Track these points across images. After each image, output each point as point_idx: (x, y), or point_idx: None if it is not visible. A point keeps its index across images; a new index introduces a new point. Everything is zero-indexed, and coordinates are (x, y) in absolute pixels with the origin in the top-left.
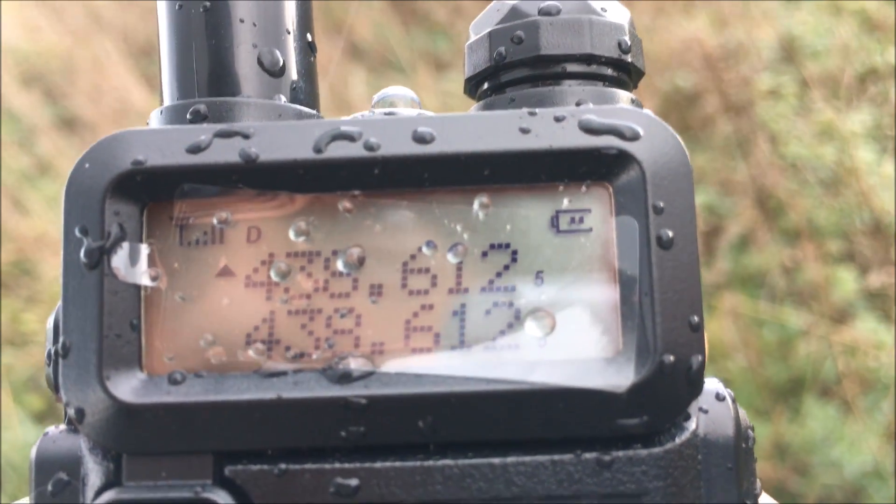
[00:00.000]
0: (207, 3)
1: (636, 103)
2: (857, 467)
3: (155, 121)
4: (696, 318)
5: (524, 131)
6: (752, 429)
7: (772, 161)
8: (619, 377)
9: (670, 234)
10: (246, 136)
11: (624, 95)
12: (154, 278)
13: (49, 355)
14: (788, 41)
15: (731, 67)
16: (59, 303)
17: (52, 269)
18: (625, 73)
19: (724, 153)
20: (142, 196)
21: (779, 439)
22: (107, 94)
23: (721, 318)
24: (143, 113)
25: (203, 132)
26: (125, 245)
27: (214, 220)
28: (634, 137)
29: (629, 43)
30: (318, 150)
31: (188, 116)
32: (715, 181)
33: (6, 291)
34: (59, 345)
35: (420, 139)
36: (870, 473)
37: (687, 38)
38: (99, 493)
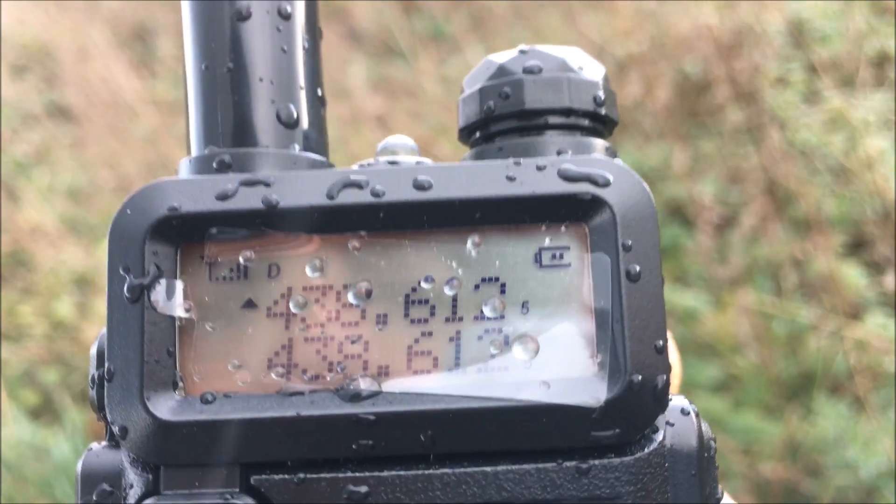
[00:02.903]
0: (231, 65)
1: (610, 150)
2: (872, 468)
3: (184, 169)
4: (660, 342)
5: (510, 179)
6: (714, 440)
7: (781, 149)
8: (594, 395)
9: (637, 268)
10: (267, 185)
11: (599, 144)
12: (187, 310)
13: (93, 379)
14: (797, 25)
15: (741, 54)
16: (102, 331)
17: (47, 260)
18: (600, 123)
19: (734, 141)
20: (176, 238)
21: (790, 438)
22: (95, 81)
23: (730, 313)
24: (132, 100)
25: (230, 181)
26: (162, 282)
27: (240, 259)
28: (606, 184)
29: (603, 97)
30: (330, 196)
31: (214, 165)
32: (723, 170)
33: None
34: (105, 370)
35: (419, 186)
36: (885, 474)
37: (696, 24)
38: (140, 501)
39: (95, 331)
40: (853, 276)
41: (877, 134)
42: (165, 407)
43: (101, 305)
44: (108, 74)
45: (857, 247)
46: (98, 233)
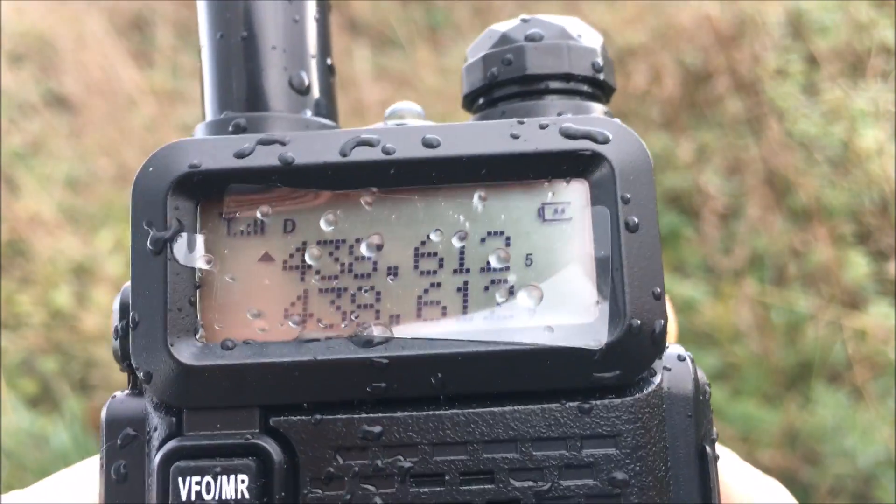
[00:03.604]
0: (245, 33)
1: (608, 114)
2: (870, 456)
3: (200, 132)
4: (658, 289)
5: (514, 137)
6: (709, 385)
7: (781, 140)
8: (596, 338)
9: (636, 219)
10: (283, 144)
11: (598, 108)
12: (208, 263)
13: (116, 331)
14: (796, 16)
15: (741, 45)
16: (126, 284)
17: (45, 249)
18: (598, 88)
19: (733, 131)
20: (197, 194)
21: (789, 427)
22: (93, 70)
23: (730, 302)
24: (129, 89)
25: (247, 140)
26: (184, 235)
27: (257, 214)
28: (605, 141)
29: (601, 63)
30: (343, 154)
31: (230, 129)
32: (723, 161)
33: None
34: (129, 319)
35: (428, 144)
36: (883, 463)
37: (698, 14)
38: (164, 442)
39: (94, 320)
40: (858, 263)
41: (875, 125)
42: (188, 352)
43: (99, 295)
44: (105, 63)
45: (856, 237)
46: (96, 222)
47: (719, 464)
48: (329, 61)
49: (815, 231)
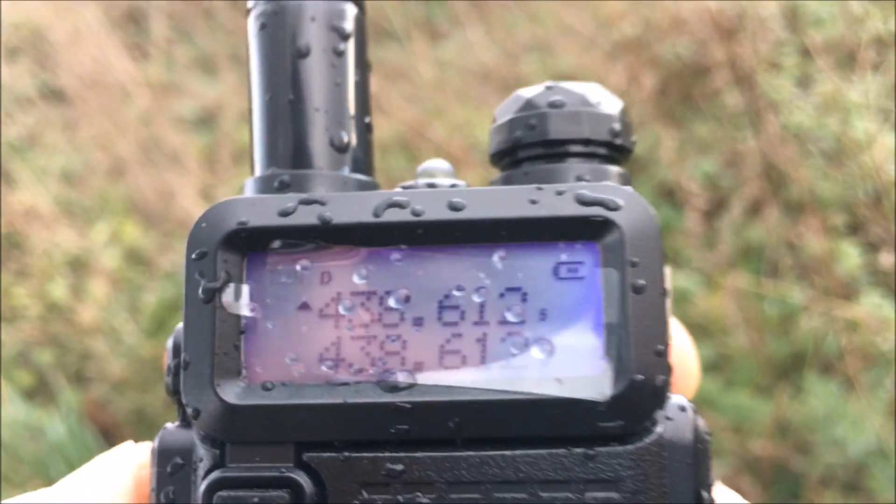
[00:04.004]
0: (291, 97)
1: (624, 177)
2: (860, 446)
3: (249, 187)
4: (661, 347)
5: (533, 202)
6: (709, 434)
7: (776, 132)
8: (601, 391)
9: (642, 282)
10: (322, 204)
11: (614, 171)
12: (252, 311)
13: (169, 368)
14: (792, 9)
15: (739, 38)
16: (178, 326)
17: (41, 242)
18: (616, 151)
19: (729, 124)
20: (244, 248)
21: (780, 417)
22: (88, 63)
23: (723, 294)
24: (124, 82)
25: (290, 200)
26: (231, 285)
27: (297, 267)
28: (616, 208)
29: (619, 129)
30: (376, 214)
31: (275, 184)
32: (718, 153)
33: None
34: (180, 360)
35: (454, 207)
36: (873, 452)
37: (697, 6)
38: (208, 472)
39: (89, 312)
40: (850, 254)
41: (869, 117)
42: (232, 392)
43: (94, 287)
44: (100, 56)
45: (850, 229)
46: (91, 215)
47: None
48: (367, 120)
49: (808, 223)
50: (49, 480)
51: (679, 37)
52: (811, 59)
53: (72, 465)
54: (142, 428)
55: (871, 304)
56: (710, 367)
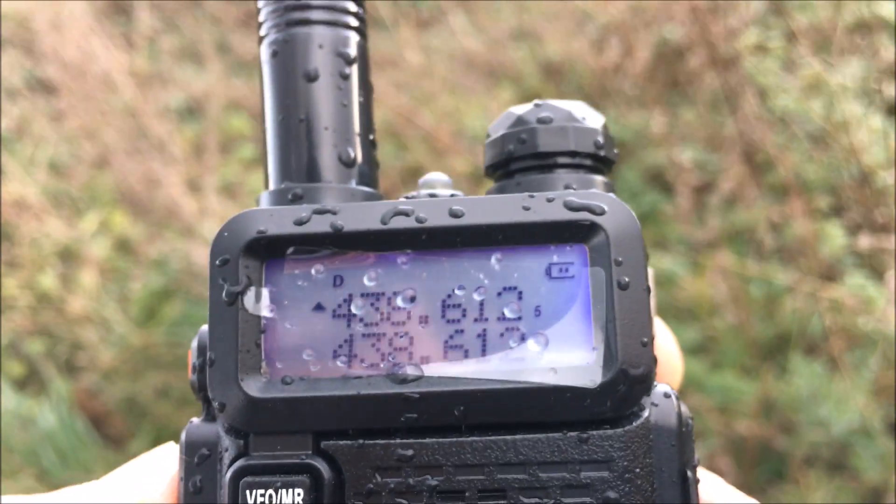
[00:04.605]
0: (302, 116)
1: (608, 185)
2: (844, 425)
3: (264, 199)
4: (645, 339)
5: (526, 208)
6: (692, 419)
7: (760, 115)
8: (592, 379)
9: (627, 279)
10: (334, 213)
11: (599, 179)
12: (271, 312)
13: (194, 367)
14: None
15: (718, 20)
16: (203, 327)
17: (30, 233)
18: (600, 162)
19: (712, 108)
20: (263, 255)
21: (765, 397)
22: (74, 53)
23: (708, 276)
24: (110, 72)
25: (304, 210)
26: (252, 289)
27: (312, 271)
28: (602, 213)
29: (602, 141)
30: (384, 222)
31: (289, 197)
32: (703, 136)
33: None
34: (206, 358)
35: (454, 215)
36: (857, 431)
37: None
38: (233, 461)
39: (80, 302)
40: (835, 235)
41: (854, 100)
42: (255, 387)
43: (84, 277)
44: (86, 46)
45: (833, 210)
46: (80, 206)
47: (706, 486)
48: (371, 137)
49: (792, 205)
50: (41, 470)
51: (665, 21)
52: (795, 43)
53: (63, 455)
54: (133, 416)
55: (855, 285)
56: (697, 349)
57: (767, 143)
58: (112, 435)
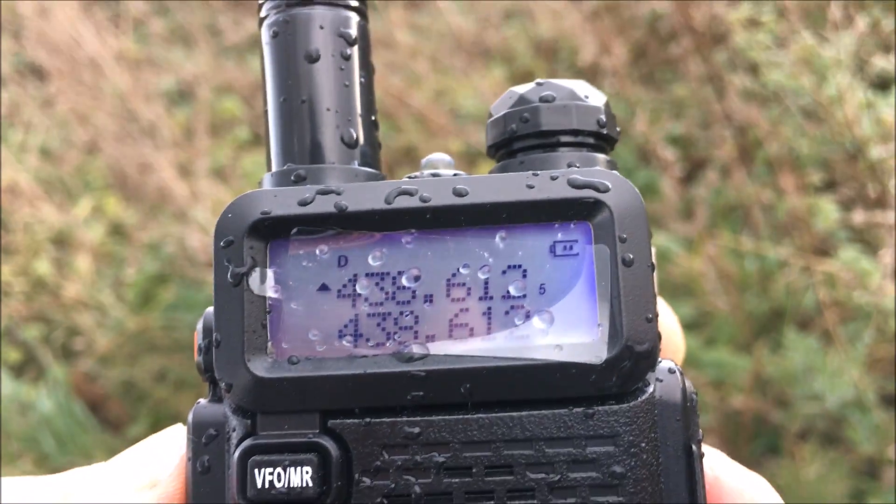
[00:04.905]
0: (304, 98)
1: (611, 163)
2: (838, 398)
3: (267, 181)
4: (650, 315)
5: (530, 187)
6: (696, 393)
7: (753, 90)
8: (598, 355)
9: (631, 256)
10: (338, 193)
11: (601, 158)
12: (276, 292)
13: (200, 348)
14: None
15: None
16: (208, 309)
17: (25, 219)
18: (602, 141)
19: (703, 85)
20: (267, 236)
21: (760, 372)
22: (62, 39)
23: (703, 253)
24: (98, 57)
25: (308, 191)
26: (257, 270)
27: (316, 251)
28: (606, 190)
29: (605, 120)
30: (388, 202)
31: (292, 178)
32: (695, 113)
33: None
34: (212, 339)
35: (458, 193)
36: (851, 403)
37: None
38: (241, 440)
39: (75, 288)
40: (828, 209)
41: (846, 73)
42: (261, 367)
43: (79, 263)
44: (74, 31)
45: (828, 186)
46: (73, 191)
47: (710, 461)
48: (373, 117)
49: (785, 180)
50: (40, 454)
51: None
52: (786, 17)
53: (61, 439)
54: (131, 400)
55: (848, 259)
56: (692, 325)
57: (760, 120)
58: (110, 419)
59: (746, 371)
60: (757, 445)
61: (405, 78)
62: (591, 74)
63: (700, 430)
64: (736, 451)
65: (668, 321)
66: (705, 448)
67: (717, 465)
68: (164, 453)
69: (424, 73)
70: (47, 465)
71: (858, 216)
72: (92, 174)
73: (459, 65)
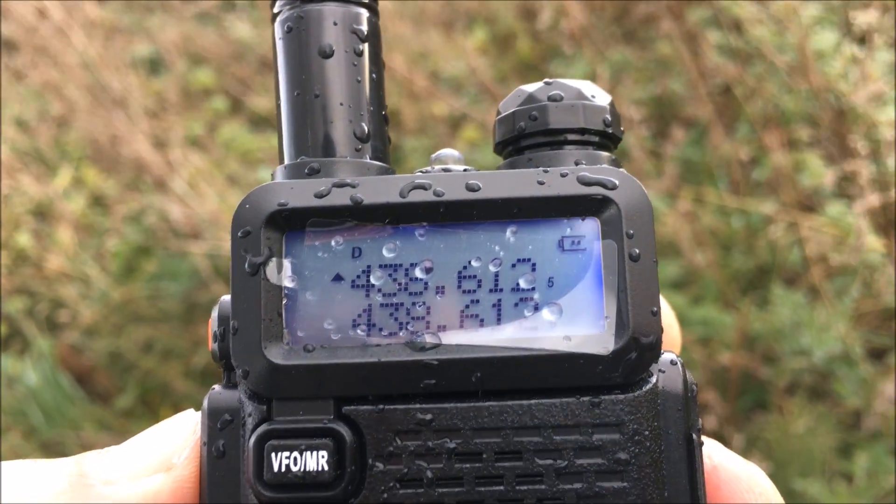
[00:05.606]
0: (317, 92)
1: (615, 161)
2: (825, 352)
3: (279, 173)
4: (654, 308)
5: (541, 183)
6: (696, 384)
7: (736, 47)
8: (605, 346)
9: (637, 251)
10: (354, 186)
11: (606, 156)
12: (292, 282)
13: (215, 335)
14: None
15: None
16: (223, 297)
17: (4, 189)
18: (608, 139)
19: (691, 43)
20: (284, 227)
21: (747, 328)
22: (30, 7)
23: (687, 210)
24: (61, 26)
25: (324, 184)
26: (274, 260)
27: (332, 243)
28: (614, 187)
29: (610, 119)
30: (402, 195)
31: (305, 171)
32: (680, 70)
33: None
34: (229, 326)
35: (471, 188)
36: (838, 358)
37: None
38: (257, 425)
39: (58, 260)
40: (815, 164)
41: (829, 29)
42: (277, 354)
43: (61, 235)
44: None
45: (811, 143)
46: (51, 163)
47: (709, 449)
48: (384, 112)
49: (770, 137)
50: (28, 427)
51: None
52: None
53: (49, 412)
54: (117, 371)
55: (835, 213)
56: (679, 283)
57: (744, 77)
58: (98, 391)
59: (734, 328)
60: (745, 401)
61: (385, 40)
62: (576, 35)
63: (700, 420)
64: (725, 408)
65: (666, 313)
66: (704, 438)
67: (715, 453)
68: (178, 437)
69: (404, 35)
70: (35, 437)
71: (848, 166)
72: (70, 146)
73: (438, 25)
